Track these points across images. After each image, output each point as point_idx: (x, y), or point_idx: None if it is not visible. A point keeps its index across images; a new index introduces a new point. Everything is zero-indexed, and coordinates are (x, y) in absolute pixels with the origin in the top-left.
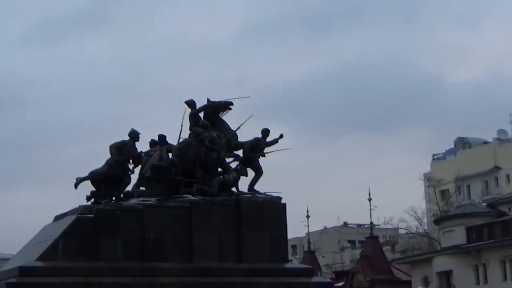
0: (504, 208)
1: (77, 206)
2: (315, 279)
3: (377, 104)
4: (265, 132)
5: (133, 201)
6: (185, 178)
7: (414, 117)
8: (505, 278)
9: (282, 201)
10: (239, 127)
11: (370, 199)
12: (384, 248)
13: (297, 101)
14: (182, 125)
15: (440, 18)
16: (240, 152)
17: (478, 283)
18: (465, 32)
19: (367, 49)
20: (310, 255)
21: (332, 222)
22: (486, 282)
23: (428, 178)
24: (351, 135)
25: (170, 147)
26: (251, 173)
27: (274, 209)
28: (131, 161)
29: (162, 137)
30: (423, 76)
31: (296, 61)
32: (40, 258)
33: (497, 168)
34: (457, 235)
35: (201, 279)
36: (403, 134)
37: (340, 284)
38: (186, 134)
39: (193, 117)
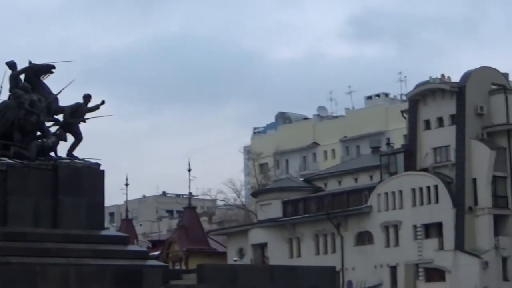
0: (320, 184)
1: None
2: (131, 247)
3: (201, 77)
4: (87, 97)
5: None
6: (2, 141)
7: (236, 91)
8: (318, 252)
9: (101, 168)
10: (60, 91)
11: (189, 170)
12: (201, 219)
13: (120, 69)
14: (1, 87)
15: None
16: (60, 117)
17: (291, 256)
18: (289, 12)
19: (192, 23)
20: (127, 223)
21: (151, 191)
22: (299, 255)
23: (248, 151)
24: (173, 105)
25: None
26: (70, 138)
27: (92, 175)
28: None
29: None
30: (247, 52)
31: (122, 30)
32: None
33: (315, 144)
34: (273, 209)
35: (15, 243)
36: (225, 107)
37: (156, 253)
38: (5, 95)
39: (13, 79)
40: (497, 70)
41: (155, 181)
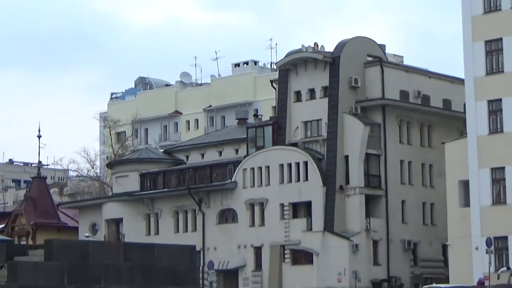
0: (182, 156)
1: None
2: None
3: (50, 40)
4: None
5: None
6: None
7: (91, 55)
8: (177, 230)
9: None
10: None
11: (39, 136)
12: (51, 190)
13: None
14: None
15: None
16: None
17: (149, 233)
18: None
19: None
20: None
21: None
22: (157, 232)
23: (104, 118)
24: (18, 68)
25: None
26: None
27: None
28: None
29: None
30: (101, 15)
31: None
32: None
33: (177, 113)
34: (130, 181)
35: None
36: (80, 71)
37: (0, 226)
38: None
39: None
40: (373, 40)
41: (0, 148)
